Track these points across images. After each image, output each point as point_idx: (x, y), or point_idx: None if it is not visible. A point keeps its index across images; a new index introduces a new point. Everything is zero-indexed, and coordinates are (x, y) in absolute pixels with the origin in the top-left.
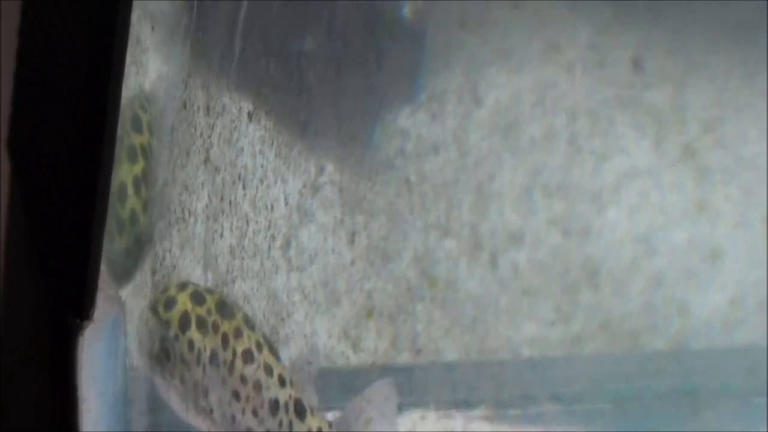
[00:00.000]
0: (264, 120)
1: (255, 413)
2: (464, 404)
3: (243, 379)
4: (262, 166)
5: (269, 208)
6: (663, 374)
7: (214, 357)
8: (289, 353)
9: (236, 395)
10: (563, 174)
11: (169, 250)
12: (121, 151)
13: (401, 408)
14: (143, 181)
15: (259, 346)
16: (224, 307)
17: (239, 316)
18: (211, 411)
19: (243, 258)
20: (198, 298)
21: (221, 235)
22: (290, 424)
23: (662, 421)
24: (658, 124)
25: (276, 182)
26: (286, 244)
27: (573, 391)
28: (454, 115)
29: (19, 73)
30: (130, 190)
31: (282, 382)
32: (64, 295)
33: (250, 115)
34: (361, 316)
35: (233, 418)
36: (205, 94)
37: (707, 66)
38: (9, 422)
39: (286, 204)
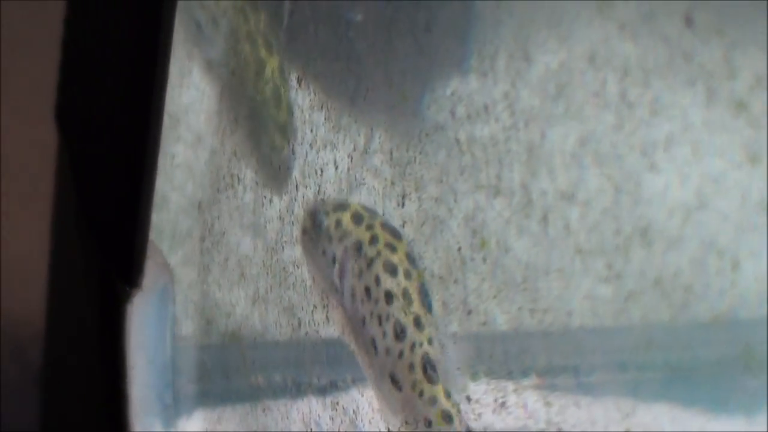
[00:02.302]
0: (313, 85)
1: (380, 322)
2: (516, 373)
3: (377, 281)
4: (311, 131)
5: (318, 173)
6: (717, 340)
7: (358, 246)
8: None
9: (368, 293)
10: (614, 133)
11: (218, 217)
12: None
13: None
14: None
15: (407, 275)
16: (391, 227)
17: (403, 242)
18: (342, 293)
19: (293, 224)
20: (369, 210)
21: (270, 201)
22: (411, 366)
23: (717, 389)
24: (710, 80)
25: (325, 147)
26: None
27: (628, 359)
28: (504, 75)
29: (67, 41)
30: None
31: (418, 323)
32: (114, 263)
33: (299, 81)
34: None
35: (363, 319)
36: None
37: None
38: (60, 389)
39: (336, 168)
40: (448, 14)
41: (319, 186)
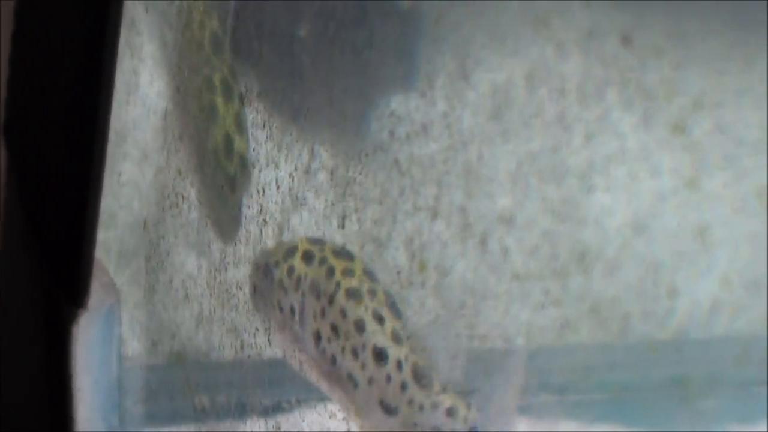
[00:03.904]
0: (256, 103)
1: (355, 354)
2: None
3: (343, 313)
4: (253, 150)
5: (260, 192)
6: (656, 363)
7: (315, 286)
8: None
9: (335, 330)
10: (551, 154)
11: (164, 237)
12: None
13: None
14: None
15: (372, 293)
16: (342, 251)
17: (358, 262)
18: (307, 341)
19: (236, 244)
20: (315, 240)
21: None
22: (404, 385)
23: (656, 411)
24: (648, 101)
25: (268, 166)
26: (278, 229)
27: (565, 381)
28: (443, 95)
29: (14, 58)
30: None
31: (396, 338)
32: (59, 283)
33: (241, 98)
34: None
35: (333, 358)
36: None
37: (701, 46)
38: (4, 411)
39: (278, 188)
40: (391, 31)
41: (261, 206)
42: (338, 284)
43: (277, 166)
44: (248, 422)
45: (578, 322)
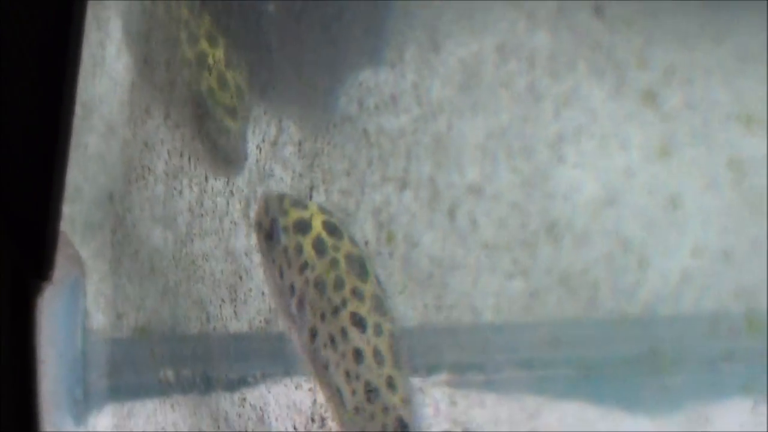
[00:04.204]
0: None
1: (347, 377)
2: (423, 369)
3: (344, 333)
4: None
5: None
6: (625, 337)
7: (320, 285)
8: (247, 312)
9: (333, 341)
10: (522, 124)
11: (130, 210)
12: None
13: None
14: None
15: (377, 330)
16: (357, 262)
17: (370, 285)
18: (302, 328)
19: (202, 216)
20: (331, 228)
21: (180, 193)
22: (384, 427)
23: (617, 386)
24: (619, 71)
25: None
26: (246, 201)
27: (535, 356)
28: (413, 66)
29: None
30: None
31: (391, 386)
32: (25, 256)
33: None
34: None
35: (326, 364)
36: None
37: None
38: None
39: (246, 160)
40: (361, 5)
41: (228, 178)
42: (345, 302)
43: (245, 139)
44: (213, 395)
45: (547, 292)
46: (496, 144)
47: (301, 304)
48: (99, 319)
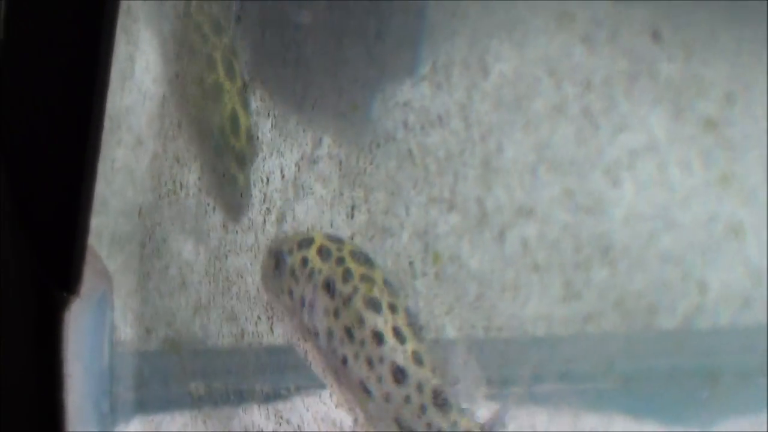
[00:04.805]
0: (260, 91)
1: (370, 365)
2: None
3: (361, 320)
4: (258, 138)
5: (264, 181)
6: (675, 353)
7: (329, 284)
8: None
9: (349, 333)
10: (575, 147)
11: (159, 223)
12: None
13: None
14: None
15: (392, 308)
16: (362, 255)
17: (378, 272)
18: (317, 335)
19: (237, 232)
20: (333, 238)
21: (214, 209)
22: (423, 408)
23: (671, 402)
24: (677, 96)
25: (272, 155)
26: (282, 218)
27: (580, 370)
28: (459, 86)
29: (6, 41)
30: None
31: (418, 360)
32: (51, 269)
33: (245, 86)
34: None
35: (344, 359)
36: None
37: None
38: None
39: (283, 177)
40: (400, 21)
41: (265, 194)
42: (356, 289)
43: (282, 155)
44: (246, 409)
45: (600, 316)
46: (547, 167)
47: (311, 310)
48: (127, 333)
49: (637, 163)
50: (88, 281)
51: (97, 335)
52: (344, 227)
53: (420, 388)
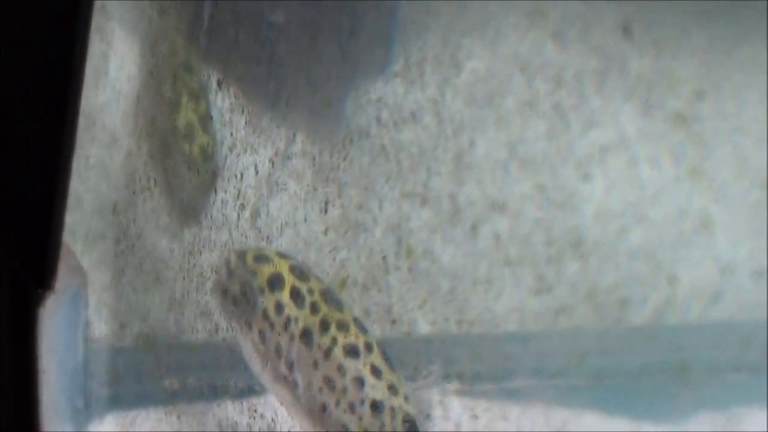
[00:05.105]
0: (233, 88)
1: (352, 409)
2: (440, 378)
3: (341, 370)
4: (231, 135)
5: (238, 177)
6: (646, 349)
7: (307, 335)
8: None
9: (329, 383)
10: (547, 142)
11: (134, 220)
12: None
13: None
14: (208, 120)
15: (368, 348)
16: (331, 296)
17: (347, 312)
18: (295, 385)
19: (210, 228)
20: (299, 273)
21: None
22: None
23: (642, 397)
24: (648, 92)
25: (246, 151)
26: (256, 214)
27: (551, 366)
28: (432, 82)
29: None
30: (198, 129)
31: (393, 390)
32: (26, 265)
33: (219, 83)
34: (334, 285)
35: (324, 406)
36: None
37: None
38: None
39: (257, 173)
40: (373, 19)
41: (239, 190)
42: (335, 340)
43: (255, 151)
44: (220, 404)
45: (573, 309)
46: (519, 162)
47: (289, 361)
48: (101, 329)
49: (608, 158)
50: (63, 277)
51: (71, 331)
52: (318, 222)
53: (393, 414)
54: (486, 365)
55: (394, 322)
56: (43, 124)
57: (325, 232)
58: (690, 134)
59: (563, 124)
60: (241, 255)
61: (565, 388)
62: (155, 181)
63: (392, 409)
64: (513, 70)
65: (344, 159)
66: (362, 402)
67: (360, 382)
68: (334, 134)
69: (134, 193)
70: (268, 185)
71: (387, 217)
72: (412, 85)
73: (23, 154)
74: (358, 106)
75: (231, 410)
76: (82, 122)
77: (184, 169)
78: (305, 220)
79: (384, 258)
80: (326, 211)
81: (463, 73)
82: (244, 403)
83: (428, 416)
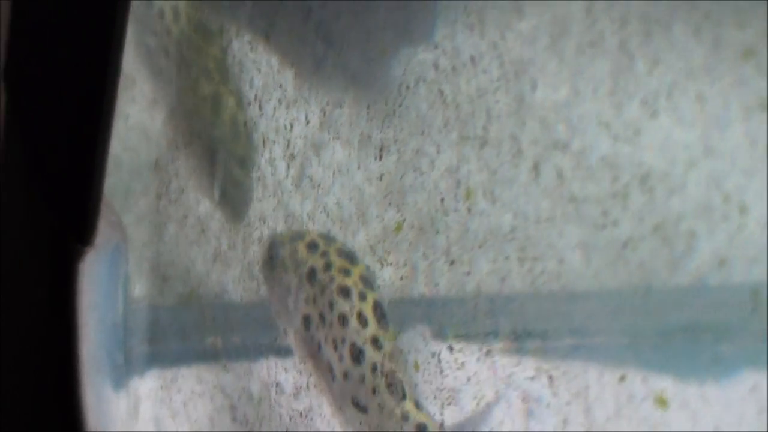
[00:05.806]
0: (285, 41)
1: (335, 346)
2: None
3: (331, 305)
4: (280, 87)
5: (288, 128)
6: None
7: (311, 273)
8: None
9: (322, 318)
10: (612, 81)
11: (176, 175)
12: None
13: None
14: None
15: (362, 297)
16: (347, 252)
17: (359, 266)
18: (301, 320)
19: (260, 178)
20: (326, 237)
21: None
22: (375, 389)
23: (680, 357)
24: (716, 28)
25: (296, 102)
26: (308, 162)
27: (593, 326)
28: (493, 28)
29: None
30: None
31: (376, 344)
32: (66, 221)
33: (267, 38)
34: (389, 229)
35: (319, 344)
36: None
37: None
38: (9, 347)
39: (308, 123)
40: None
41: (289, 141)
42: (332, 278)
43: (307, 102)
44: (263, 362)
45: (639, 242)
46: (582, 101)
47: (296, 298)
48: (141, 285)
49: (675, 95)
50: (103, 233)
51: (111, 286)
52: (373, 169)
53: (375, 369)
54: (555, 320)
55: (452, 262)
56: (85, 81)
57: (380, 178)
58: (758, 68)
59: (629, 62)
60: (277, 233)
61: (603, 347)
62: (198, 136)
63: (374, 365)
64: (577, 10)
65: (400, 105)
66: (343, 341)
67: (344, 320)
68: (388, 82)
69: (177, 148)
70: (320, 134)
71: (445, 160)
72: (471, 31)
73: (64, 111)
74: (414, 53)
75: (274, 368)
76: (121, 82)
77: (234, 163)
78: (358, 167)
79: (442, 200)
80: (380, 158)
81: (526, 17)
82: (289, 360)
83: (406, 414)
